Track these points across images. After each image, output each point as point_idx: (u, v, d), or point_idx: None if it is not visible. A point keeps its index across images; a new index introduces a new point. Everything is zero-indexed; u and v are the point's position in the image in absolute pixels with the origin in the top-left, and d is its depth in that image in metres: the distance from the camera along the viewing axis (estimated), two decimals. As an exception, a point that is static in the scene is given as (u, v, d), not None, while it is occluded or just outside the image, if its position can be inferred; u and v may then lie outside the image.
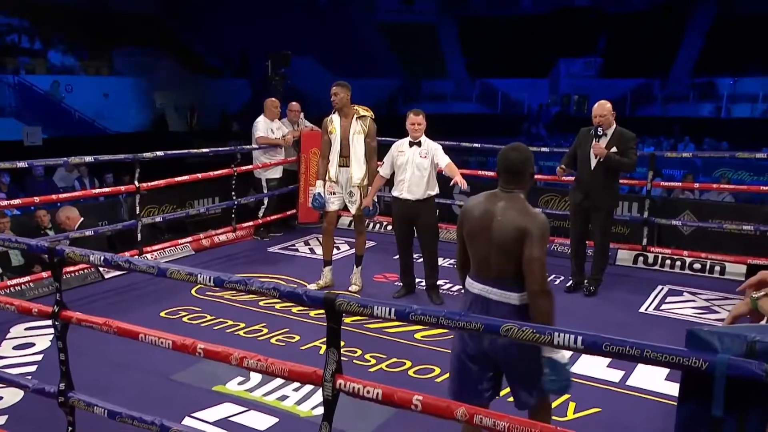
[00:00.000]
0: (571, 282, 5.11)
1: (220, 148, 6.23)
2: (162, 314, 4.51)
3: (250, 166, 6.55)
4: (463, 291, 2.44)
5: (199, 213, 6.81)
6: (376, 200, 4.81)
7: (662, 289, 5.17)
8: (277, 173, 6.75)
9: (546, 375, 2.15)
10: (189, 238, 5.99)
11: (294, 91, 22.84)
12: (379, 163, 4.82)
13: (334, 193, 4.93)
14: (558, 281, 5.37)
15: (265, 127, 6.62)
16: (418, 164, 4.54)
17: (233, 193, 6.33)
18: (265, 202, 6.70)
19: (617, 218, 6.34)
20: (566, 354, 2.10)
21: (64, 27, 16.37)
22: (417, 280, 4.97)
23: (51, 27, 16.21)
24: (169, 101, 18.18)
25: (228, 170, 6.26)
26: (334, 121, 4.88)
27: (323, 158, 4.92)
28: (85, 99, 16.16)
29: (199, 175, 5.91)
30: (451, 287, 5.10)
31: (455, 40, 24.22)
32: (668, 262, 5.69)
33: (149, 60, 18.03)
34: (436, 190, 4.64)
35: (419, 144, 4.56)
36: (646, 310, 4.72)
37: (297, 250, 6.33)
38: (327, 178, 4.91)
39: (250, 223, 6.64)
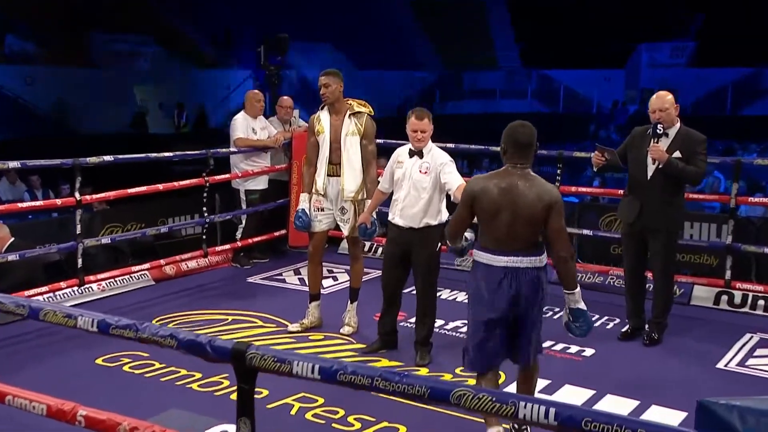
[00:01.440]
0: (627, 327, 5.02)
1: (187, 152, 6.23)
2: (98, 361, 4.48)
3: (227, 176, 6.55)
4: (475, 267, 3.32)
5: (169, 233, 6.87)
6: (375, 218, 4.73)
7: (751, 338, 5.07)
8: (260, 184, 6.76)
9: (574, 323, 3.35)
10: (147, 265, 5.98)
11: (307, 85, 23.15)
12: (380, 170, 4.76)
13: (323, 210, 4.91)
14: (611, 325, 5.30)
15: (244, 125, 6.65)
16: (415, 181, 4.39)
17: (204, 208, 6.33)
18: (243, 220, 6.72)
19: (692, 244, 6.17)
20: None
21: (25, 7, 16.80)
22: (411, 320, 4.86)
23: (9, 6, 16.65)
24: (152, 97, 18.51)
25: (198, 180, 6.26)
26: (323, 119, 4.88)
27: (309, 165, 4.93)
28: (49, 94, 16.53)
29: (161, 186, 5.93)
30: (443, 324, 5.06)
31: (507, 22, 24.23)
32: (761, 303, 5.52)
33: (129, 48, 18.44)
34: (438, 219, 4.43)
35: (420, 155, 4.41)
36: (726, 365, 4.63)
37: (284, 281, 6.32)
38: (314, 190, 4.89)
39: (226, 247, 6.62)
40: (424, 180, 4.36)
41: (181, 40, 19.19)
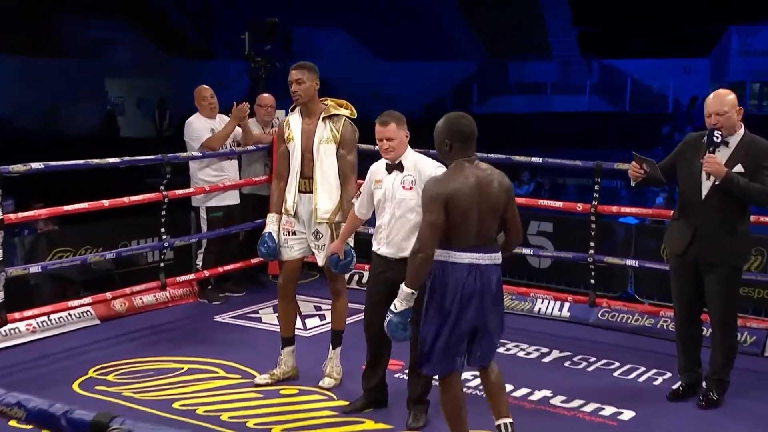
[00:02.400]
0: (679, 383, 4.93)
1: (137, 158, 6.21)
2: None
3: (185, 190, 6.54)
4: (437, 267, 3.74)
5: (130, 259, 6.90)
6: (350, 246, 4.70)
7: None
8: (225, 199, 6.78)
9: None
10: (88, 300, 5.94)
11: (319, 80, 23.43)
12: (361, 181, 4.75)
13: (294, 233, 4.91)
14: (659, 380, 5.22)
15: (203, 128, 6.68)
16: (399, 201, 4.34)
17: (162, 230, 6.30)
18: (203, 245, 6.73)
19: (760, 280, 5.96)
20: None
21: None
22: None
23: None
24: (128, 93, 18.71)
25: (155, 195, 6.23)
26: (293, 123, 4.89)
27: (278, 179, 4.96)
28: (5, 88, 16.82)
29: (106, 202, 5.90)
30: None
31: (563, 1, 24.18)
32: None
33: (104, 35, 18.66)
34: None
35: (400, 168, 4.36)
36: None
37: (259, 320, 6.30)
38: (283, 209, 4.89)
39: (189, 277, 6.58)
40: (409, 197, 4.30)
41: (165, 26, 19.42)
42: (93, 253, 6.75)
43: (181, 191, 6.46)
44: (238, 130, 6.84)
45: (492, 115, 19.97)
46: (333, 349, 5.01)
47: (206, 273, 6.64)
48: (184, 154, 6.55)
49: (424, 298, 3.79)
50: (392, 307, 3.77)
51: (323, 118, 4.77)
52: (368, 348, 4.61)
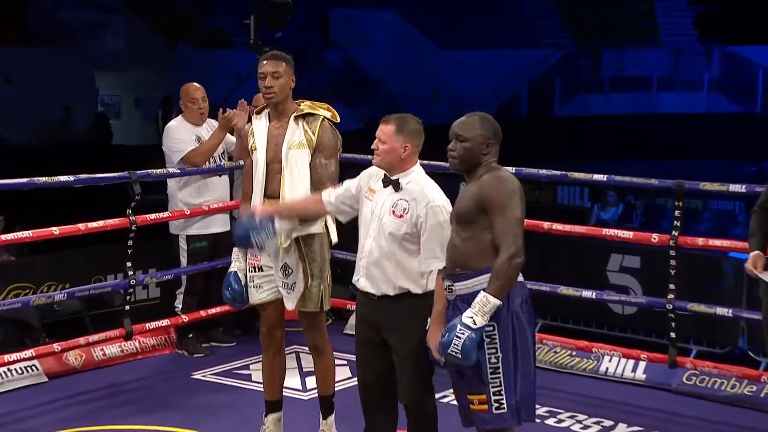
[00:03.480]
0: None
1: (96, 175, 6.28)
2: None
3: (162, 214, 6.60)
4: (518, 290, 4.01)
5: (102, 298, 7.01)
6: (274, 222, 4.61)
7: None
8: (214, 226, 6.82)
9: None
10: (29, 353, 5.98)
11: (356, 73, 23.32)
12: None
13: (260, 269, 4.92)
14: None
15: (188, 137, 6.72)
16: (385, 225, 4.41)
17: (128, 264, 6.36)
18: (183, 283, 6.77)
19: None
20: None
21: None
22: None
23: None
24: (124, 90, 18.90)
25: (119, 221, 6.28)
26: (257, 129, 4.93)
27: (245, 202, 4.99)
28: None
29: (56, 230, 5.97)
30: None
31: (676, -28, 24.08)
32: None
33: (94, 19, 18.90)
34: (424, 285, 4.47)
35: (396, 185, 4.41)
36: None
37: (249, 377, 6.31)
38: None
39: (163, 323, 6.61)
40: (396, 227, 4.38)
41: (167, 6, 19.59)
42: (48, 292, 6.86)
43: (153, 216, 6.50)
44: (231, 139, 6.88)
45: (579, 118, 19.91)
46: (324, 419, 5.04)
47: (185, 318, 6.65)
48: (158, 171, 6.60)
49: (499, 326, 3.91)
50: (467, 320, 3.86)
51: (295, 118, 4.80)
52: (363, 410, 4.63)
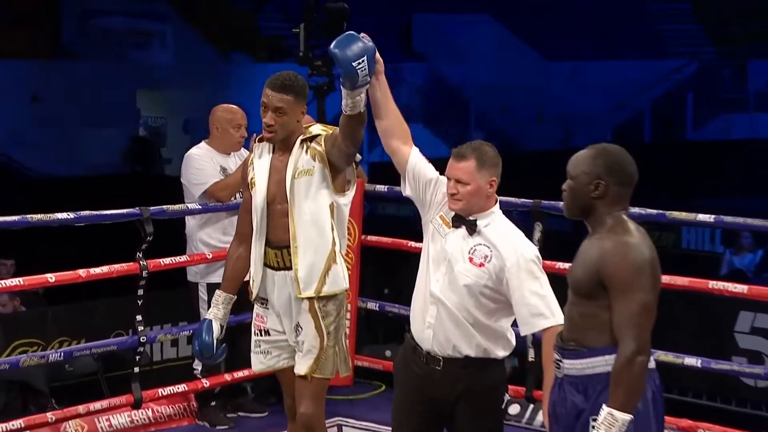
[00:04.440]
0: None
1: (104, 212, 6.40)
2: None
3: (179, 258, 6.71)
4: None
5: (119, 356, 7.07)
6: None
7: None
8: None
9: None
10: (19, 423, 6.06)
11: (444, 90, 23.24)
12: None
13: (267, 333, 4.95)
14: None
15: (211, 167, 6.79)
16: (459, 274, 4.41)
17: (138, 317, 6.46)
18: None
19: None
20: None
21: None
22: None
23: None
24: (170, 110, 19.01)
25: (127, 266, 6.40)
26: (257, 161, 4.94)
27: (238, 241, 5.06)
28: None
29: (51, 276, 6.07)
30: None
31: None
32: None
33: (136, 27, 19.11)
34: (506, 345, 4.51)
35: (473, 228, 4.44)
36: None
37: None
38: (252, 293, 4.99)
39: (179, 388, 6.67)
40: (474, 278, 4.39)
41: (224, 13, 19.72)
42: (60, 348, 7.00)
43: (168, 260, 6.59)
44: None
45: (718, 143, 19.57)
46: None
47: (206, 382, 6.68)
48: (175, 207, 6.68)
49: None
50: None
51: (301, 141, 4.78)
52: None
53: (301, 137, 4.82)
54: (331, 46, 4.23)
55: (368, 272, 7.55)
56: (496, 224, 4.45)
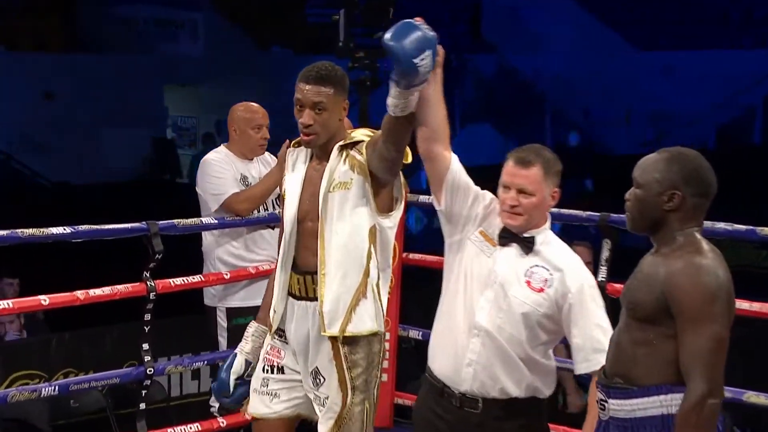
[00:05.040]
0: None
1: (106, 227, 6.40)
2: None
3: (193, 279, 6.66)
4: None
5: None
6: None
7: None
8: (261, 296, 6.75)
9: None
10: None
11: (515, 81, 23.38)
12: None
13: (281, 370, 4.80)
14: None
15: (230, 175, 6.76)
16: (514, 299, 4.38)
17: (144, 346, 6.43)
18: None
19: None
20: None
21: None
22: None
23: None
24: (201, 109, 19.06)
25: (132, 286, 6.39)
26: (292, 167, 4.80)
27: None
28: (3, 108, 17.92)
29: (44, 299, 6.07)
30: None
31: None
32: None
33: (164, 16, 19.27)
34: (549, 387, 4.52)
35: (528, 246, 4.42)
36: None
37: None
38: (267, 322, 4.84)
39: (192, 427, 6.65)
40: (534, 303, 4.36)
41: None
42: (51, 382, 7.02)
43: (179, 281, 6.57)
44: None
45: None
46: None
47: (222, 422, 6.67)
48: (188, 221, 6.67)
49: None
50: None
51: (340, 147, 4.61)
52: None
53: (340, 143, 4.64)
54: (387, 36, 4.03)
55: (410, 295, 7.48)
56: (552, 242, 4.44)
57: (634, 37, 21.81)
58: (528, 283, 4.35)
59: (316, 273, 4.66)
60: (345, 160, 4.62)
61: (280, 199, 4.89)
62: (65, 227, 6.24)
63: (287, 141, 5.98)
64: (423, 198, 6.69)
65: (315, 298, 4.67)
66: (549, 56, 21.99)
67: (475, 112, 18.32)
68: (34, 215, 10.24)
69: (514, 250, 4.40)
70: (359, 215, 4.65)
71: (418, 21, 4.17)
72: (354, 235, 4.65)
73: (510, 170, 4.37)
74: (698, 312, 3.54)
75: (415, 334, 6.85)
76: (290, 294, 4.76)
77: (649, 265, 3.70)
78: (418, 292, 7.79)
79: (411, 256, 7.12)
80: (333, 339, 4.64)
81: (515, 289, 4.35)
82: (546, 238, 4.43)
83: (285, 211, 4.76)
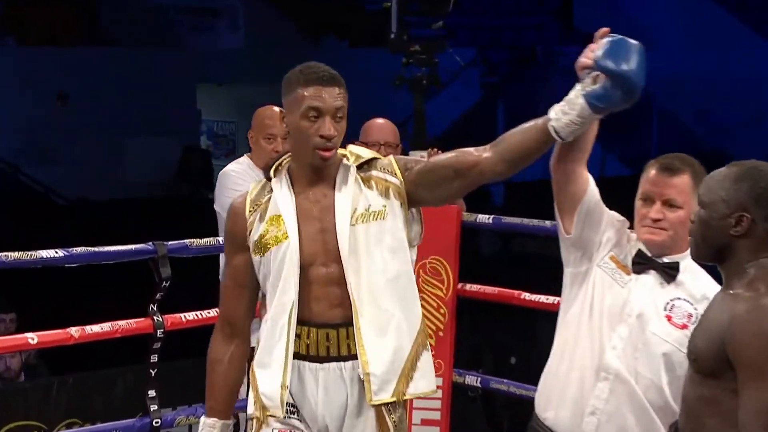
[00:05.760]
0: None
1: (105, 249, 6.41)
2: None
3: (209, 313, 6.66)
4: None
5: None
6: None
7: None
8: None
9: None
10: None
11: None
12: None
13: None
14: None
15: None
16: (656, 336, 4.42)
17: (150, 393, 6.46)
18: (241, 426, 6.87)
19: None
20: None
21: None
22: None
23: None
24: (238, 110, 19.20)
25: (136, 322, 6.39)
26: (272, 205, 4.51)
27: (224, 337, 4.64)
28: (12, 104, 18.12)
29: (32, 337, 6.10)
30: None
31: None
32: None
33: (197, 6, 19.47)
34: None
35: (672, 275, 4.45)
36: None
37: None
38: (257, 408, 4.55)
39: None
40: (677, 341, 4.38)
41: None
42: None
43: (191, 315, 6.58)
44: None
45: None
46: None
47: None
48: (202, 241, 6.70)
49: None
50: None
51: (358, 167, 4.44)
52: None
53: (351, 162, 4.49)
54: (608, 62, 4.00)
55: (466, 334, 7.46)
56: (695, 271, 4.48)
57: (761, 24, 21.65)
58: (668, 318, 4.41)
59: (342, 326, 4.43)
60: (368, 183, 4.46)
61: (261, 239, 4.46)
62: (57, 250, 6.28)
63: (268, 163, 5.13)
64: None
65: (349, 357, 4.44)
66: (655, 50, 21.92)
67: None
68: (46, 237, 10.27)
69: (652, 278, 4.46)
70: (403, 249, 4.50)
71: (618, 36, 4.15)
72: (403, 275, 4.49)
73: (653, 179, 4.44)
74: (760, 366, 3.47)
75: (472, 380, 6.80)
76: (302, 357, 4.46)
77: (714, 307, 3.68)
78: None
79: (468, 287, 7.07)
80: (380, 406, 4.45)
81: (654, 325, 4.40)
82: (688, 266, 4.44)
83: (279, 256, 4.42)
